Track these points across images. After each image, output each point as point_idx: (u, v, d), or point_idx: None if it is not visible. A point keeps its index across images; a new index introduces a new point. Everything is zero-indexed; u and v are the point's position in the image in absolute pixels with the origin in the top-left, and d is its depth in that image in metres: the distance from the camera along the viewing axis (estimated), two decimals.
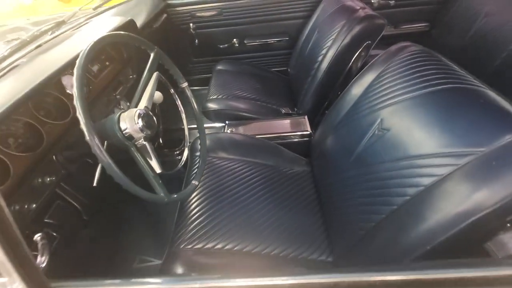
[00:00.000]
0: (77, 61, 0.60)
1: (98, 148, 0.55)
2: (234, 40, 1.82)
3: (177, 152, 1.39)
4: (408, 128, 0.65)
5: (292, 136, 1.26)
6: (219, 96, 1.48)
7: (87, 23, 1.19)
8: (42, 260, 0.61)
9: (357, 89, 0.90)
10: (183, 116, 0.92)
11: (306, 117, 1.33)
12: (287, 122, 1.32)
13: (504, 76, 1.19)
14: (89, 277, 0.40)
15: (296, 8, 1.70)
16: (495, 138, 0.48)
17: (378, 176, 0.68)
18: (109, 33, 0.69)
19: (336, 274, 0.35)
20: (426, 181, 0.56)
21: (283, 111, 1.45)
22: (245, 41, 1.82)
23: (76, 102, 0.56)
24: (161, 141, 1.34)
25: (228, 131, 1.29)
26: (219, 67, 1.76)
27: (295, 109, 1.46)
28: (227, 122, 1.35)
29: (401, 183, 0.61)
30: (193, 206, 0.95)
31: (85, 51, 0.62)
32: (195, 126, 0.92)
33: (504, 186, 0.45)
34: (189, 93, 0.88)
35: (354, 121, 0.86)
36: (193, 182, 0.81)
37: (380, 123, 0.74)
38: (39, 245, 0.61)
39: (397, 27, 1.73)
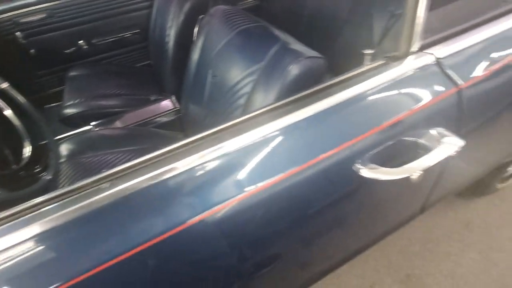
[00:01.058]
0: None
1: None
2: (81, 41, 1.68)
3: (39, 168, 1.24)
4: (227, 68, 0.81)
5: (164, 117, 1.31)
6: (77, 101, 1.38)
7: None
8: None
9: (195, 54, 1.02)
10: (8, 112, 0.83)
11: (173, 96, 1.39)
12: (156, 106, 1.36)
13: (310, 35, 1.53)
14: None
15: None
16: (266, 52, 0.67)
17: (221, 112, 0.82)
18: None
19: None
20: (243, 100, 0.72)
21: (152, 98, 1.47)
22: (94, 41, 1.71)
23: None
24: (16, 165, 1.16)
25: (96, 130, 1.24)
26: (72, 74, 1.61)
27: (163, 94, 1.50)
28: (92, 123, 1.28)
29: (231, 110, 0.76)
30: None
31: None
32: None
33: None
34: (12, 92, 0.79)
35: (200, 80, 0.98)
36: (44, 177, 0.77)
37: (212, 72, 0.88)
38: None
39: (235, 4, 1.97)
